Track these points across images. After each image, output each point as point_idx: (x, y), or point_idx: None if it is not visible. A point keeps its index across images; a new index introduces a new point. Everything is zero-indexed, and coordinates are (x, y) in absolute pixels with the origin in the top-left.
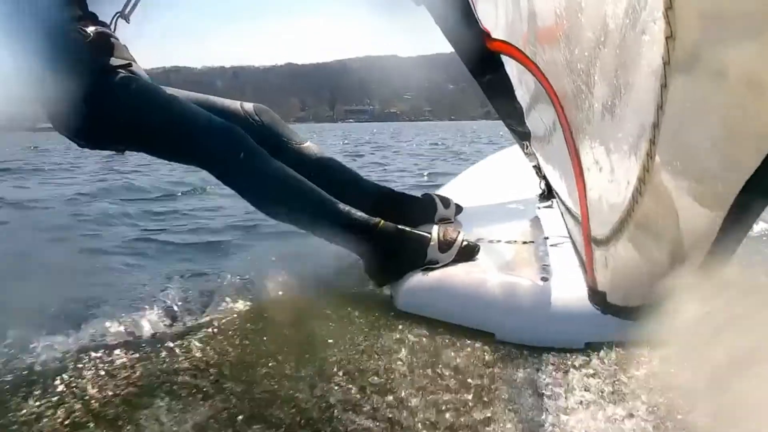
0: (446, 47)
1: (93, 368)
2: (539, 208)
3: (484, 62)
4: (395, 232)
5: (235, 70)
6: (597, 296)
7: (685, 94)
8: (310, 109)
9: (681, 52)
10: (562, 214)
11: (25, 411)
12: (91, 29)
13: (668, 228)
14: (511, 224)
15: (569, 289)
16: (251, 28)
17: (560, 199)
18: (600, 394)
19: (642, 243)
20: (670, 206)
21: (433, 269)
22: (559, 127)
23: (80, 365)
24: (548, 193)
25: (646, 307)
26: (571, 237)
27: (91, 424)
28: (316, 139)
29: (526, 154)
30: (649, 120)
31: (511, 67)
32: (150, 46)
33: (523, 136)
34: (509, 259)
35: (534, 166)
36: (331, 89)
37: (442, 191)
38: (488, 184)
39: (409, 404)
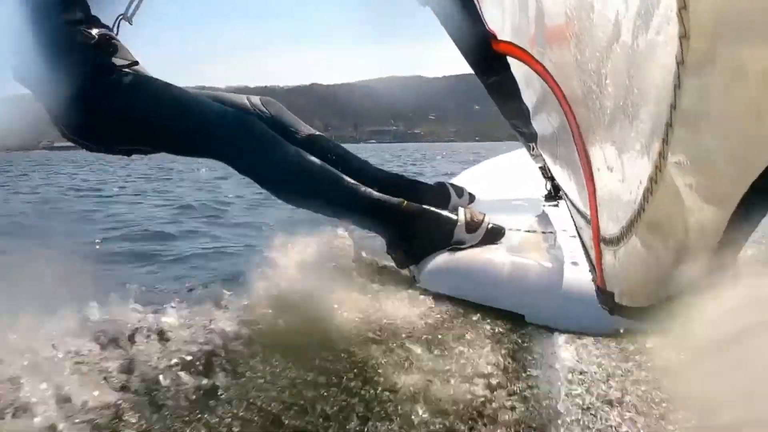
0: (468, 68)
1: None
2: (546, 206)
3: (490, 64)
4: (421, 211)
5: (258, 90)
6: (605, 296)
7: (699, 94)
8: (333, 130)
9: (695, 51)
10: (571, 215)
11: None
12: (95, 31)
13: (676, 228)
14: (526, 216)
15: None
16: (277, 50)
17: (569, 200)
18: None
19: (651, 243)
20: (679, 206)
21: (459, 249)
22: (567, 128)
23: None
24: (554, 195)
25: (654, 308)
26: (580, 237)
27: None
28: None
29: (532, 155)
30: (662, 120)
31: (517, 68)
32: (172, 64)
33: (529, 137)
34: (534, 244)
35: (540, 168)
36: (355, 110)
37: (454, 181)
38: (492, 183)
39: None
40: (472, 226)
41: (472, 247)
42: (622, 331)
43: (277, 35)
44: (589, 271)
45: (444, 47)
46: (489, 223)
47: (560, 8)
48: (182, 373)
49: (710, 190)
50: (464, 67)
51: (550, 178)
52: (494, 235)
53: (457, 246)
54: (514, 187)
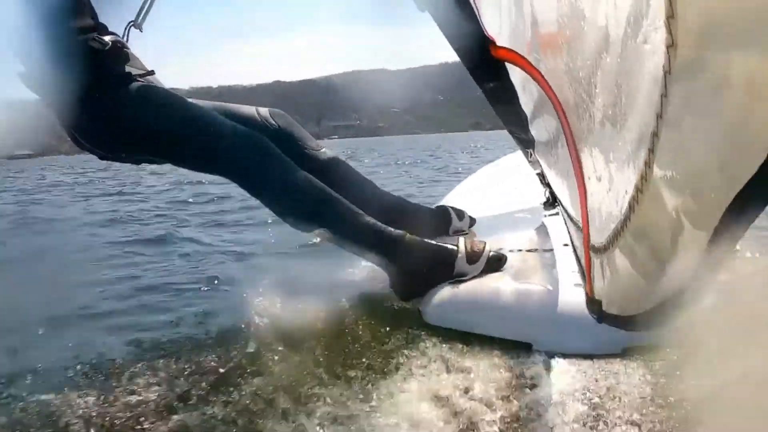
0: (433, 59)
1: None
2: (546, 216)
3: (488, 70)
4: (422, 245)
5: (221, 90)
6: (594, 305)
7: (685, 103)
8: None
9: (682, 61)
10: (564, 222)
11: None
12: (108, 38)
13: (662, 237)
14: (523, 233)
15: None
16: (238, 48)
17: (563, 207)
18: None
19: (636, 252)
20: (665, 214)
21: (462, 281)
22: (562, 135)
23: None
24: (552, 201)
25: (641, 317)
26: (573, 244)
27: None
28: None
29: (530, 161)
30: (649, 129)
31: (515, 74)
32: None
33: (527, 143)
34: (535, 267)
35: (538, 174)
36: (318, 105)
37: (446, 200)
38: (490, 193)
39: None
40: (473, 257)
41: (474, 277)
42: (621, 351)
43: (235, 31)
44: (581, 279)
45: (411, 39)
46: (490, 252)
47: (553, 16)
48: None
49: (696, 199)
50: (430, 59)
51: (548, 184)
52: (496, 262)
53: (459, 278)
54: (514, 197)
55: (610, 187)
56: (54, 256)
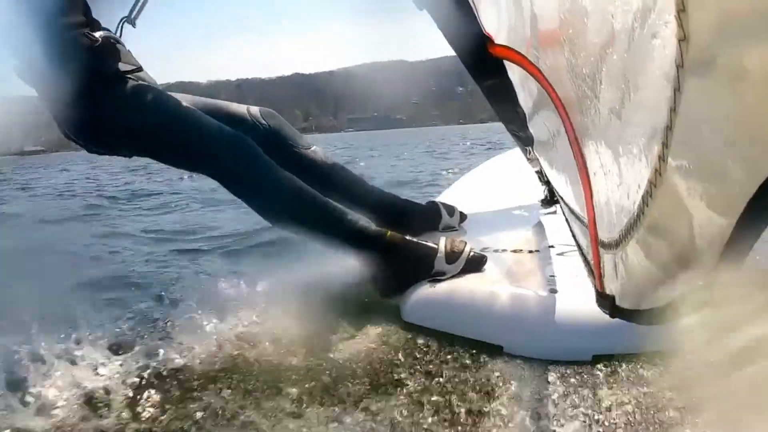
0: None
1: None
2: (543, 214)
3: (486, 67)
4: (402, 243)
5: (239, 82)
6: (605, 300)
7: (700, 97)
8: (313, 119)
9: (695, 54)
10: (567, 219)
11: None
12: (98, 34)
13: (679, 231)
14: (515, 232)
15: (576, 301)
16: (256, 39)
17: (565, 204)
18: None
19: (652, 246)
20: (681, 209)
21: (440, 281)
22: (563, 131)
23: None
24: (551, 199)
25: (656, 311)
26: (576, 241)
27: None
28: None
29: (528, 159)
30: (662, 123)
31: (513, 72)
32: (153, 63)
33: (526, 141)
34: (516, 269)
35: (537, 172)
36: (336, 98)
37: (442, 197)
38: (488, 190)
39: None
40: (452, 256)
41: (453, 277)
42: (591, 358)
43: (252, 22)
44: (587, 275)
45: (427, 29)
46: (470, 252)
47: (554, 12)
48: None
49: (714, 194)
50: (450, 49)
51: (547, 182)
52: (476, 263)
53: (437, 277)
54: (512, 193)
55: (620, 181)
56: None
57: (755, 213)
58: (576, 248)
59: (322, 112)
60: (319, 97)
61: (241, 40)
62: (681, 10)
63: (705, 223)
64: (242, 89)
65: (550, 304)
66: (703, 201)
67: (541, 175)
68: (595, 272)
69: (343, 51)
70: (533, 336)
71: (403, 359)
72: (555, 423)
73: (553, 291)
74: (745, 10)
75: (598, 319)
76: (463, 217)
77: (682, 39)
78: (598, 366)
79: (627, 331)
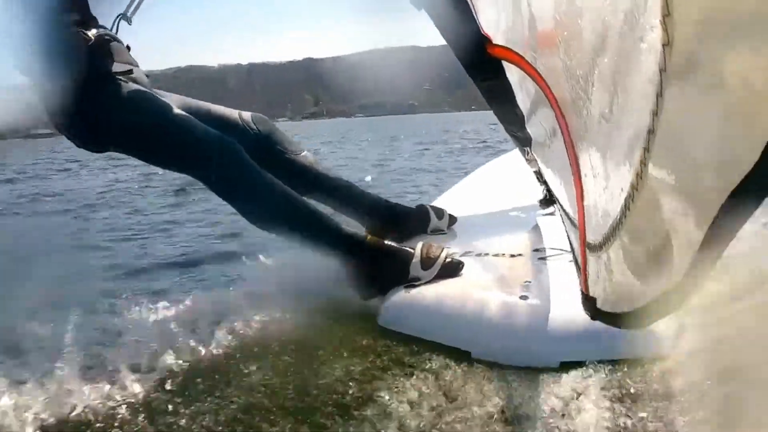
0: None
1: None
2: (541, 215)
3: (485, 68)
4: (380, 247)
5: (251, 67)
6: (588, 302)
7: (680, 101)
8: (323, 104)
9: (678, 59)
10: (562, 220)
11: None
12: (92, 32)
13: (656, 236)
14: (503, 236)
15: (546, 308)
16: (267, 25)
17: (560, 205)
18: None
19: (631, 250)
20: (659, 214)
21: (415, 286)
22: (559, 133)
23: None
24: (549, 200)
25: (633, 315)
26: (570, 242)
27: None
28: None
29: (527, 160)
30: (644, 127)
31: (511, 72)
32: (164, 46)
33: (524, 141)
34: (492, 274)
35: (535, 172)
36: (346, 83)
37: (440, 200)
38: (486, 193)
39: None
40: (427, 262)
41: (428, 282)
42: (558, 365)
43: (264, 7)
44: (577, 276)
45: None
46: (447, 258)
47: (550, 13)
48: None
49: (691, 198)
50: None
51: (545, 182)
52: (452, 269)
53: (413, 282)
54: (510, 195)
55: (606, 184)
56: None
57: (729, 215)
58: (570, 250)
59: (332, 97)
60: (329, 82)
61: (251, 24)
62: (666, 15)
63: (679, 227)
64: (252, 73)
65: (519, 311)
66: (679, 205)
67: (540, 176)
68: (582, 275)
69: (354, 36)
70: (500, 342)
71: (372, 365)
72: (519, 430)
73: (524, 297)
74: (728, 17)
75: (566, 326)
76: (452, 220)
77: (666, 43)
78: (565, 373)
79: (594, 339)
